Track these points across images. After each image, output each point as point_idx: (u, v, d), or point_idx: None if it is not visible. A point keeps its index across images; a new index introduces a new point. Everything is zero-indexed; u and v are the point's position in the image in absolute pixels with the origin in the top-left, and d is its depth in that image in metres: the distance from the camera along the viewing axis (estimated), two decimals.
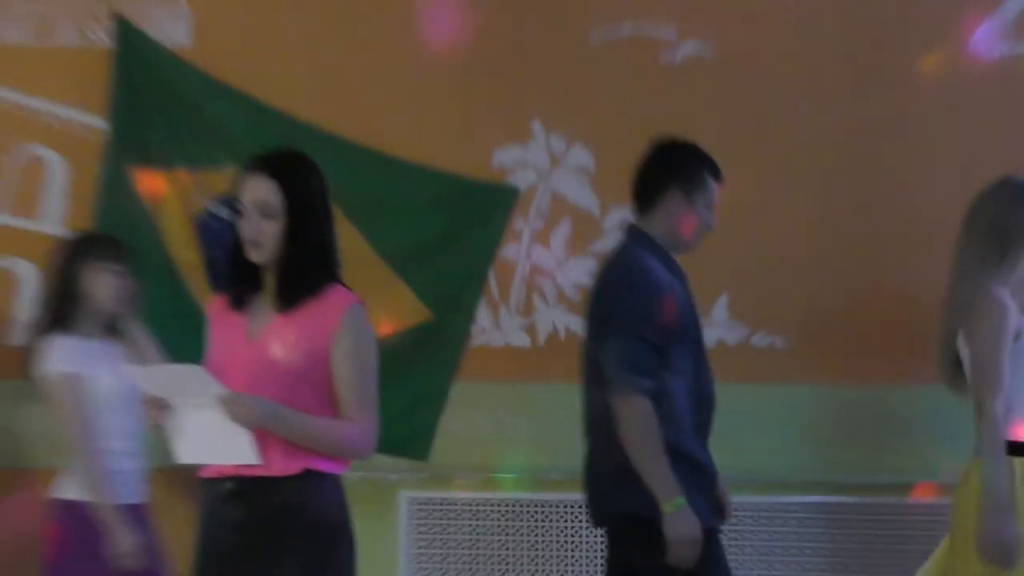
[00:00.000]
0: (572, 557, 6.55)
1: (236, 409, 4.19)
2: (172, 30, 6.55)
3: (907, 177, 6.54)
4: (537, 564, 6.53)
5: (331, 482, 4.36)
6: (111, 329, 5.79)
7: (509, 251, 6.55)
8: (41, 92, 6.54)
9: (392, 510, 6.51)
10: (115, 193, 6.24)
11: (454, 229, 6.37)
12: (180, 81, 6.36)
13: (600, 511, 5.14)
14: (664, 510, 4.86)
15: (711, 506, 5.07)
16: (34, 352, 5.76)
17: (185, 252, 6.26)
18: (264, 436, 4.23)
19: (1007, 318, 4.97)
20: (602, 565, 5.85)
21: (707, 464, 5.08)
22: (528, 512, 6.52)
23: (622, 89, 6.55)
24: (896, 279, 6.53)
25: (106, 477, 5.63)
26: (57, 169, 6.54)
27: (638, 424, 4.92)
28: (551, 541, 6.52)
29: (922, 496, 6.43)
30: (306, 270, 4.36)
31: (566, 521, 6.51)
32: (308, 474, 4.30)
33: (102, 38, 6.43)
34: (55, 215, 6.53)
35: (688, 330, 5.09)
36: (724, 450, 5.26)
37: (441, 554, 6.56)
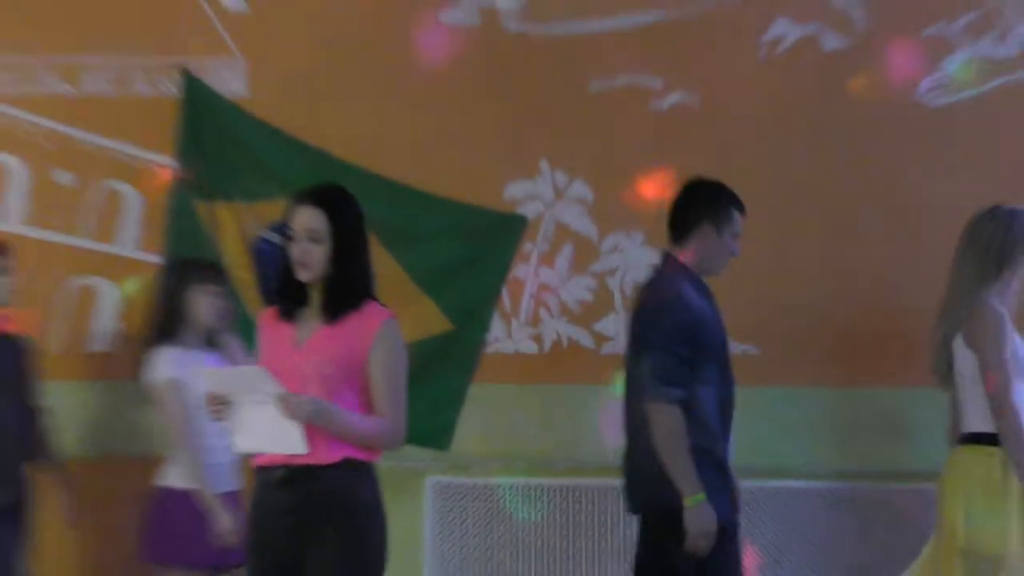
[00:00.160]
0: (573, 534, 6.68)
1: (291, 406, 4.34)
2: (231, 81, 6.75)
3: (868, 216, 6.75)
4: (543, 538, 6.67)
5: (367, 469, 4.50)
6: (209, 341, 5.95)
7: (519, 271, 6.76)
8: (119, 135, 6.75)
9: (419, 493, 6.70)
10: (182, 221, 6.31)
11: (472, 252, 6.43)
12: (237, 125, 6.46)
13: (639, 501, 5.24)
14: (686, 505, 5.03)
15: (733, 501, 5.20)
16: (142, 361, 5.91)
17: (241, 272, 6.33)
18: (311, 429, 4.37)
19: (1006, 324, 5.12)
20: (607, 542, 6.35)
21: (729, 464, 5.22)
22: (536, 495, 6.67)
23: (617, 132, 6.79)
24: (861, 293, 6.75)
25: (206, 468, 5.79)
26: (132, 201, 6.77)
27: (667, 429, 5.05)
28: (555, 520, 6.67)
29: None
30: (348, 288, 4.48)
31: (568, 503, 6.68)
32: (347, 462, 4.44)
33: (171, 89, 6.53)
34: (130, 240, 6.76)
35: (716, 345, 5.21)
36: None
37: (461, 530, 6.70)
